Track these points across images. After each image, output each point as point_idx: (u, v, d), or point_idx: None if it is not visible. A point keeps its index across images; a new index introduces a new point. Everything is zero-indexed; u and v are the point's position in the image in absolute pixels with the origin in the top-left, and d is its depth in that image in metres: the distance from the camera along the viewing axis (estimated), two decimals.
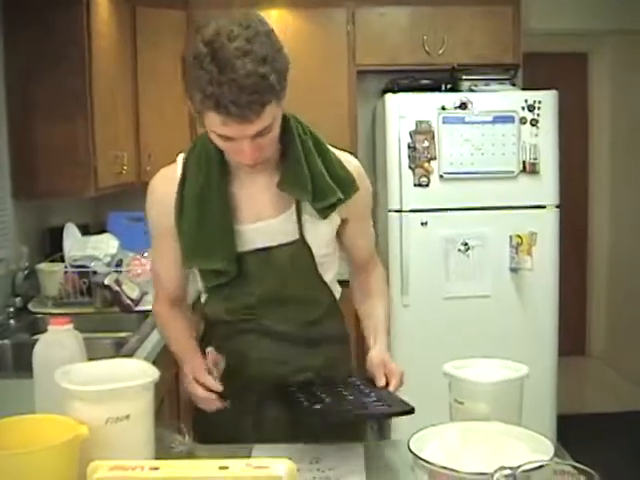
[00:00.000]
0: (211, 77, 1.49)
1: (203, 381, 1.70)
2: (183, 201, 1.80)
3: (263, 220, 1.81)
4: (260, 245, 1.81)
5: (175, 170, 1.86)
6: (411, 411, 1.59)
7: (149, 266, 3.39)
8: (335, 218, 1.86)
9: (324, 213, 1.81)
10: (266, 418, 1.82)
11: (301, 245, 1.82)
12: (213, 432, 1.78)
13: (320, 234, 1.85)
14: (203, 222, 1.78)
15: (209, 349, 1.77)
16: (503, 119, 4.01)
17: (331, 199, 1.79)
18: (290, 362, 1.87)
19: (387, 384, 1.76)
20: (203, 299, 1.96)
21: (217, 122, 1.56)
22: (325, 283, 1.91)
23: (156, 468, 1.19)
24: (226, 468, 1.17)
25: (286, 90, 1.62)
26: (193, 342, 1.90)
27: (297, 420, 1.69)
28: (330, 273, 1.93)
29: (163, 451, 1.52)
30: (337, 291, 1.97)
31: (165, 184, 1.85)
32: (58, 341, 1.58)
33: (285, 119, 1.77)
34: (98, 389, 1.40)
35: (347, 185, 1.82)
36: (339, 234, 1.92)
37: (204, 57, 1.51)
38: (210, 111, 1.54)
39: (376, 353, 1.86)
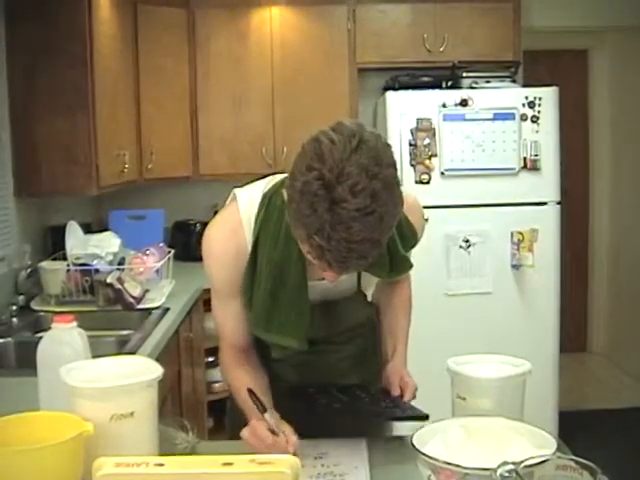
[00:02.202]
0: (322, 227, 1.35)
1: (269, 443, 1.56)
2: (256, 269, 1.70)
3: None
4: (321, 298, 1.78)
5: (236, 221, 1.72)
6: (425, 417, 1.63)
7: (150, 263, 3.41)
8: None
9: (392, 277, 1.84)
10: (287, 417, 1.71)
11: (357, 293, 1.86)
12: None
13: (373, 280, 1.88)
14: (278, 296, 1.69)
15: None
16: (504, 116, 4.02)
17: (404, 271, 1.82)
18: (335, 352, 1.91)
19: (401, 395, 1.78)
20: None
21: (313, 259, 1.46)
22: (369, 303, 1.96)
23: (161, 464, 1.19)
24: (230, 464, 1.18)
25: None
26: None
27: (316, 418, 1.68)
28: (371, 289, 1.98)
29: (167, 448, 1.53)
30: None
31: (230, 240, 1.72)
32: (63, 339, 1.59)
33: None
34: (103, 386, 1.40)
35: (411, 241, 1.80)
36: None
37: (319, 200, 1.34)
38: (310, 254, 1.45)
39: (393, 366, 1.87)
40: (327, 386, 1.83)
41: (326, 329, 1.84)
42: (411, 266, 1.83)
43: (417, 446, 1.32)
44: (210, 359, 3.86)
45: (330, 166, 1.35)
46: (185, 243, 4.27)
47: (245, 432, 1.59)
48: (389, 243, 1.68)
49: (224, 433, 1.70)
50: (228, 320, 1.82)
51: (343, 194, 1.33)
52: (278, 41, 4.45)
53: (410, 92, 4.08)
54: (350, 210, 1.33)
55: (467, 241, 4.03)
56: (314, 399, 1.75)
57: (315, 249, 1.40)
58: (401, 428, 1.77)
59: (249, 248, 1.70)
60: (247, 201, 1.74)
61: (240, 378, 1.77)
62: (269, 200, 1.70)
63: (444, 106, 4.00)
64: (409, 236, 1.78)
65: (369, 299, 1.98)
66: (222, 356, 1.85)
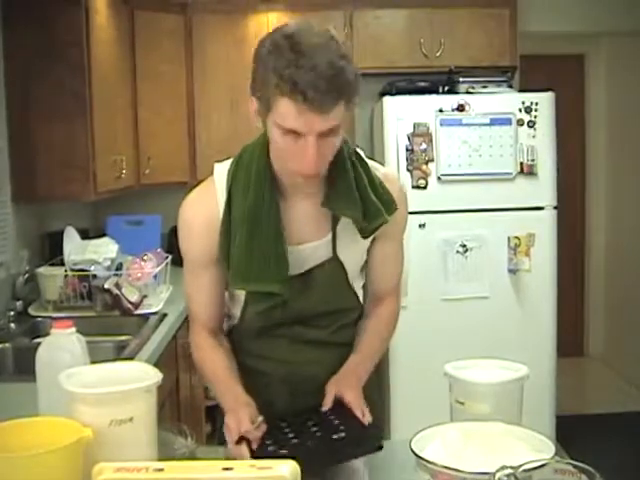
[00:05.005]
0: (289, 62, 1.49)
1: (249, 437, 1.58)
2: (231, 222, 1.73)
3: (304, 243, 1.78)
4: (298, 271, 1.77)
5: (212, 190, 1.79)
6: (379, 448, 1.56)
7: (148, 269, 3.41)
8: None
9: (368, 233, 1.78)
10: None
11: (335, 263, 1.81)
12: None
13: (352, 253, 1.84)
14: (255, 242, 1.71)
15: (260, 419, 1.63)
16: (500, 121, 4.03)
17: (379, 220, 1.76)
18: (321, 362, 1.86)
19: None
20: (238, 311, 1.90)
21: (288, 111, 1.51)
22: (356, 294, 1.91)
23: (160, 469, 1.19)
24: (230, 469, 1.18)
25: (355, 101, 1.61)
26: (237, 388, 1.75)
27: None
28: (359, 282, 1.93)
29: (166, 453, 1.53)
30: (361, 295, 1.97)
31: (203, 211, 1.78)
32: (61, 344, 1.59)
33: None
34: (102, 392, 1.40)
35: (387, 205, 1.78)
36: (367, 257, 1.90)
37: (284, 47, 1.51)
38: (284, 97, 1.50)
39: (338, 378, 1.78)
40: (277, 425, 1.67)
41: (305, 302, 1.81)
42: (386, 220, 1.77)
43: (416, 450, 1.32)
44: None
45: (288, 28, 1.59)
46: None
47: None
48: (358, 184, 1.74)
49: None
50: (200, 296, 1.86)
51: (302, 35, 1.56)
52: None
53: (407, 97, 4.09)
54: (311, 42, 1.54)
55: (464, 246, 4.03)
56: (262, 444, 1.59)
57: (288, 84, 1.49)
58: (400, 432, 1.75)
59: (222, 216, 1.75)
60: (221, 171, 1.81)
61: (215, 364, 1.81)
62: (240, 156, 1.79)
63: (441, 111, 4.01)
64: (383, 196, 1.78)
65: (356, 290, 1.92)
66: (194, 339, 1.88)
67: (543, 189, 4.08)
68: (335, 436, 1.59)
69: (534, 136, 4.04)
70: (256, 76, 1.58)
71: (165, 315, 3.19)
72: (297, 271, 1.77)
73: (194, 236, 1.80)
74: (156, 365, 1.74)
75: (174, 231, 4.65)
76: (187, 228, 1.81)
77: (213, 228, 1.75)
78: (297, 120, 1.51)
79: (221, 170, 1.81)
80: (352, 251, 1.83)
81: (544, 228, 4.08)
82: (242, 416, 1.61)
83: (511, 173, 4.03)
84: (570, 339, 5.76)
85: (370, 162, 1.83)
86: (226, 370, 1.80)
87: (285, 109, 1.51)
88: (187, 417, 3.37)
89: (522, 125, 4.04)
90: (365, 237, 1.80)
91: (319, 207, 1.75)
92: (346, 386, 1.73)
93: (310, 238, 1.78)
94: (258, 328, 1.87)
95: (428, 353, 3.86)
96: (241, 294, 1.84)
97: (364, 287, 1.97)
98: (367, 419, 1.65)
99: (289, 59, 1.49)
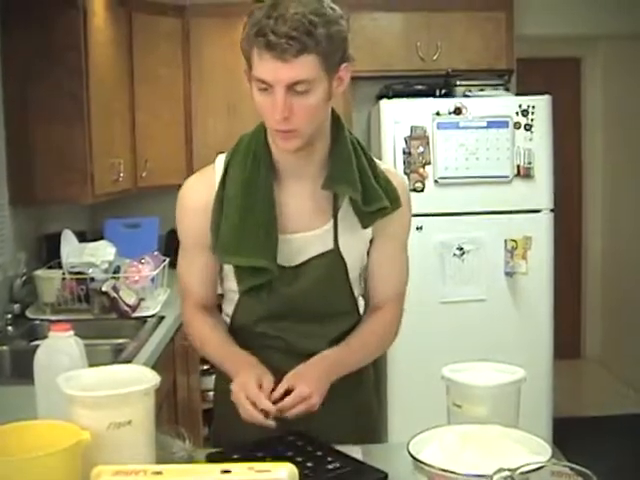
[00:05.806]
0: (263, 15, 1.56)
1: (254, 400, 1.60)
2: (224, 198, 1.74)
3: (301, 232, 1.76)
4: (295, 262, 1.76)
5: (211, 174, 1.81)
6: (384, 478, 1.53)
7: (145, 272, 3.42)
8: (368, 232, 1.80)
9: (368, 220, 1.76)
10: None
11: (335, 256, 1.78)
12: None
13: (354, 247, 1.80)
14: (246, 218, 1.71)
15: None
16: (497, 124, 4.03)
17: (379, 203, 1.74)
18: None
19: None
20: (231, 310, 1.89)
21: (258, 60, 1.58)
22: (354, 297, 1.87)
23: (159, 472, 1.19)
24: (228, 472, 1.18)
25: (338, 62, 1.67)
26: (240, 351, 1.78)
27: None
28: (358, 288, 1.89)
29: (164, 456, 1.53)
30: (361, 306, 1.92)
31: (201, 192, 1.79)
32: (59, 347, 1.59)
33: (336, 116, 1.78)
34: (100, 395, 1.40)
35: (389, 196, 1.76)
36: (367, 260, 1.86)
37: (265, 6, 1.58)
38: (253, 46, 1.58)
39: (300, 369, 1.72)
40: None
41: (297, 290, 1.77)
42: (386, 207, 1.75)
43: (413, 453, 1.32)
44: (205, 367, 3.86)
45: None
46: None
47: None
48: (359, 166, 1.74)
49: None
50: (194, 276, 1.86)
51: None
52: None
53: (404, 100, 4.10)
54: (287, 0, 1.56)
55: (461, 249, 4.04)
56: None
57: (254, 30, 1.58)
58: (397, 435, 1.75)
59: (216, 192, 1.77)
60: (221, 158, 1.83)
61: (211, 333, 1.84)
62: (238, 143, 1.82)
63: (438, 114, 4.02)
64: (385, 186, 1.77)
65: (355, 294, 1.88)
66: (186, 315, 1.90)
67: (540, 192, 4.08)
68: (331, 473, 1.54)
69: (531, 139, 4.05)
70: (243, 40, 1.65)
71: (162, 318, 3.19)
72: (293, 261, 1.76)
73: (192, 217, 1.81)
74: (154, 368, 1.74)
75: (171, 233, 4.67)
76: (185, 209, 1.82)
77: (210, 210, 1.76)
78: (264, 67, 1.58)
79: (221, 158, 1.84)
80: (353, 245, 1.80)
81: (541, 231, 4.08)
82: (247, 380, 1.63)
83: (508, 176, 4.04)
84: (567, 341, 5.76)
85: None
86: (223, 338, 1.82)
87: (256, 60, 1.59)
88: (185, 420, 3.37)
89: (519, 128, 4.04)
90: (365, 226, 1.77)
91: (319, 193, 1.75)
92: (301, 381, 1.67)
93: (308, 226, 1.77)
94: (252, 327, 1.84)
95: (425, 356, 3.86)
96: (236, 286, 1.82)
97: (363, 297, 1.94)
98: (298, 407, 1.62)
99: (264, 13, 1.56)
